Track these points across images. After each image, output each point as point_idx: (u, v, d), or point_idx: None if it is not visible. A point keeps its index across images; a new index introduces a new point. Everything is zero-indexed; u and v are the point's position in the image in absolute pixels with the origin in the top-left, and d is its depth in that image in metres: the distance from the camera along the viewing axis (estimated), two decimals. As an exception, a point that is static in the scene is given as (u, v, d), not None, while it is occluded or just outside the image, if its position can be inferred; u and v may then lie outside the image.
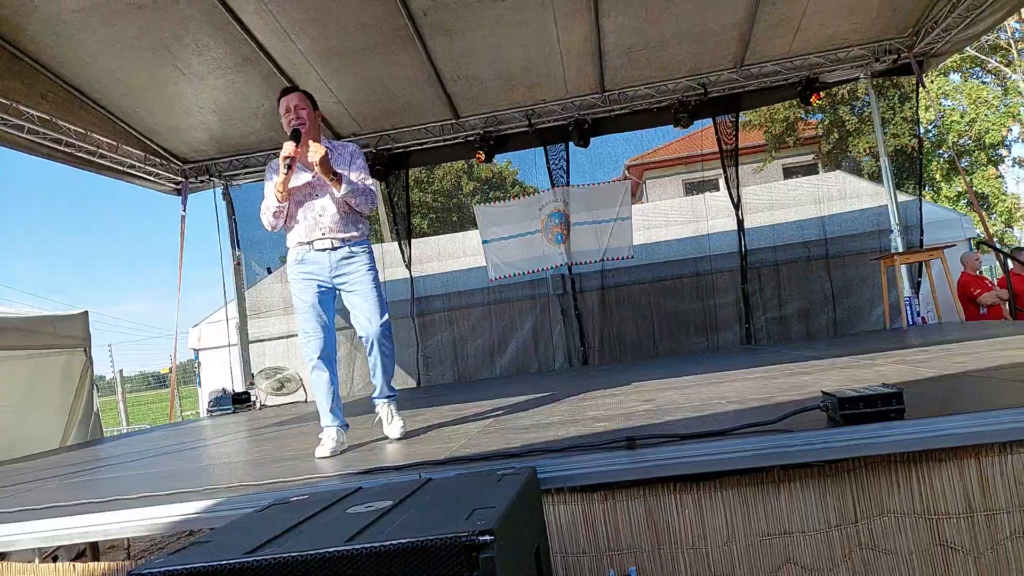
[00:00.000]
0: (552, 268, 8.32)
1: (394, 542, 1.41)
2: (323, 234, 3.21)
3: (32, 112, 6.01)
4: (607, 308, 8.29)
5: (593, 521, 2.22)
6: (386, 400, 3.41)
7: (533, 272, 8.35)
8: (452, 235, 10.47)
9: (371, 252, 3.35)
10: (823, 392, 2.30)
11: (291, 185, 3.17)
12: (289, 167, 3.09)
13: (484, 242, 8.43)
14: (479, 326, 8.60)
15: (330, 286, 3.27)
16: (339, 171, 3.16)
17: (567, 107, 7.85)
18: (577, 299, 8.30)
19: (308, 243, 3.23)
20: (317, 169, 3.11)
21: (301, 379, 8.46)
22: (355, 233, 3.28)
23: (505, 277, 8.38)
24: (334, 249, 3.23)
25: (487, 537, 1.37)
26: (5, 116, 5.79)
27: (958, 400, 2.44)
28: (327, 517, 1.74)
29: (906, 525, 1.97)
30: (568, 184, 8.20)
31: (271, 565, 1.42)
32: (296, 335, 9.43)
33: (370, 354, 3.32)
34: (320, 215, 3.22)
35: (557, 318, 8.39)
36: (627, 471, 2.20)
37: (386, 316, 3.30)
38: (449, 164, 20.75)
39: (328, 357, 3.26)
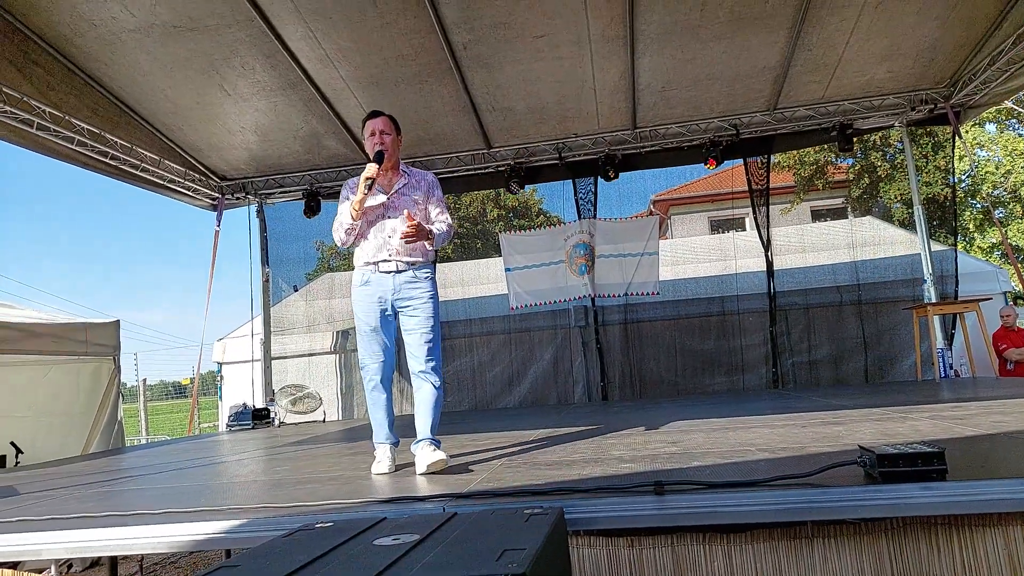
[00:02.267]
0: (575, 299, 8.29)
1: (425, 580, 1.40)
2: (389, 255, 3.29)
3: (82, 125, 6.20)
4: (629, 343, 8.24)
5: (618, 567, 2.18)
6: (427, 442, 3.23)
7: (555, 302, 8.31)
8: (476, 261, 10.51)
9: (434, 278, 3.41)
10: (860, 447, 2.25)
11: (367, 204, 3.25)
12: (369, 187, 3.19)
13: (507, 270, 8.44)
14: (499, 354, 8.59)
15: (392, 309, 3.33)
16: (427, 227, 3.24)
17: (598, 142, 7.91)
18: (599, 332, 8.26)
19: (375, 263, 3.30)
20: (412, 233, 3.16)
21: (320, 398, 8.50)
22: (420, 258, 3.35)
23: (527, 306, 8.36)
24: (399, 272, 3.30)
25: (520, 581, 1.35)
26: (57, 128, 5.97)
27: (1001, 462, 2.38)
28: (354, 548, 1.73)
29: (945, 591, 1.91)
30: (595, 217, 8.23)
31: (300, 596, 1.42)
32: (316, 354, 9.52)
33: (418, 391, 3.33)
34: (390, 236, 3.29)
35: (578, 350, 8.36)
36: (655, 517, 2.16)
37: (438, 354, 3.33)
38: (476, 191, 20.93)
39: (387, 379, 3.34)
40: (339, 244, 3.37)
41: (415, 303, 3.30)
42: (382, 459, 3.31)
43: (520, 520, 1.87)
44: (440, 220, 3.37)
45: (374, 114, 3.43)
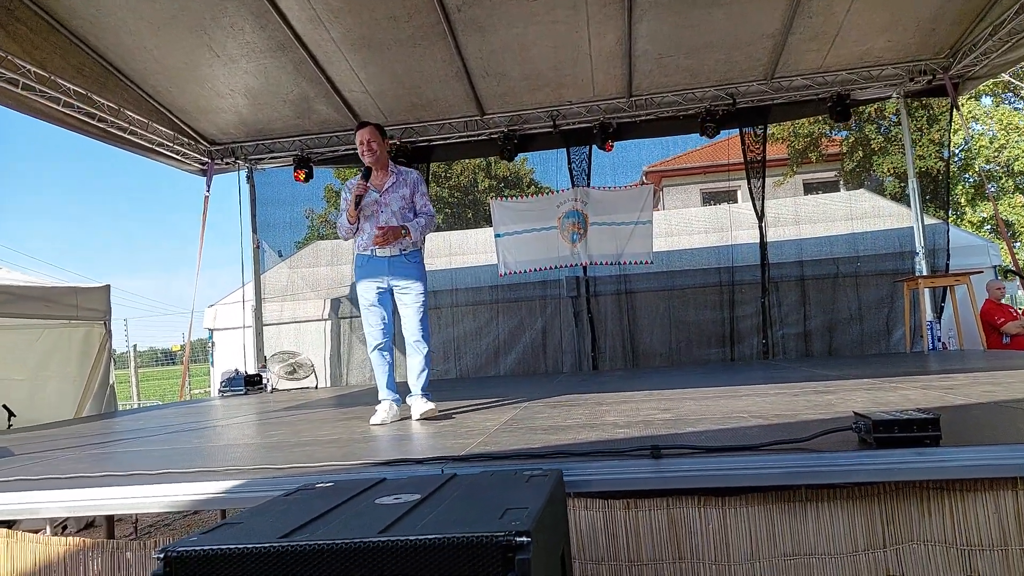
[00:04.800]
0: (566, 267, 8.22)
1: (428, 536, 1.40)
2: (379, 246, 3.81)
3: (68, 85, 6.05)
4: (622, 313, 8.23)
5: (614, 529, 2.21)
6: (420, 396, 3.88)
7: (545, 269, 8.25)
8: (464, 231, 10.43)
9: (422, 261, 4.02)
10: (855, 413, 2.28)
11: (363, 202, 3.84)
12: (357, 203, 3.80)
13: (497, 236, 8.33)
14: (487, 324, 8.54)
15: (387, 287, 3.91)
16: (403, 225, 3.84)
17: (592, 110, 7.83)
18: (591, 302, 8.25)
19: (371, 250, 3.86)
20: (380, 240, 3.74)
21: (312, 365, 8.50)
22: (410, 246, 3.93)
23: (515, 273, 8.30)
24: (392, 257, 3.86)
25: (524, 538, 1.36)
26: (43, 88, 5.83)
27: (992, 429, 2.41)
28: (356, 506, 1.74)
29: (936, 554, 1.95)
30: (588, 185, 8.16)
31: (305, 551, 1.42)
32: (306, 321, 9.51)
33: (410, 357, 3.91)
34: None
35: (569, 320, 8.33)
36: (652, 480, 2.19)
37: (427, 326, 3.91)
38: (467, 160, 20.75)
39: (386, 346, 3.94)
40: (343, 238, 3.99)
41: (406, 283, 3.88)
42: (380, 411, 3.85)
43: (520, 481, 1.88)
44: (423, 212, 3.96)
45: (362, 125, 3.98)
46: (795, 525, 2.07)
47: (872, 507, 2.03)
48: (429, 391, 3.93)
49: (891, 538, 1.99)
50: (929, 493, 2.00)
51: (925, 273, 7.35)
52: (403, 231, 3.82)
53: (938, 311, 7.25)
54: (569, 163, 8.23)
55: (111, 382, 6.86)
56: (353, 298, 9.07)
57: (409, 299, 3.88)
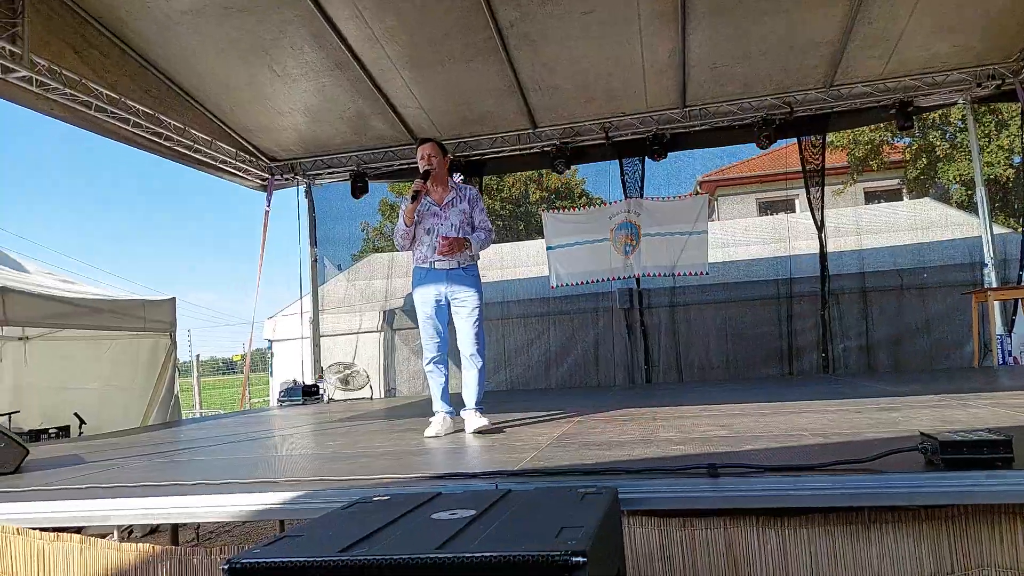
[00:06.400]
0: (619, 279, 8.16)
1: (485, 554, 1.42)
2: (441, 256, 3.88)
3: (137, 106, 6.36)
4: (676, 326, 8.12)
5: (670, 549, 2.18)
6: (474, 410, 3.92)
7: (597, 281, 8.19)
8: (515, 243, 10.43)
9: (478, 275, 4.05)
10: (921, 433, 2.20)
11: (423, 214, 3.91)
12: (414, 199, 3.83)
13: (549, 248, 8.33)
14: (538, 336, 8.53)
15: (445, 300, 3.95)
16: (466, 237, 3.91)
17: (646, 121, 7.78)
18: (644, 314, 8.16)
19: (430, 263, 3.91)
20: (445, 250, 3.82)
21: (368, 376, 8.64)
22: (468, 260, 3.99)
23: (567, 285, 8.27)
24: (450, 270, 3.91)
25: (580, 558, 1.36)
26: (114, 109, 6.13)
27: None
28: (413, 521, 1.77)
29: (1010, 582, 1.86)
30: (642, 196, 8.09)
31: (364, 566, 1.45)
32: (362, 332, 9.67)
33: (466, 370, 3.96)
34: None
35: (621, 333, 8.25)
36: (709, 499, 2.15)
37: (483, 339, 3.98)
38: (520, 172, 20.85)
39: (441, 358, 3.99)
40: (399, 249, 4.07)
41: (463, 296, 3.92)
42: (434, 423, 3.91)
43: (575, 499, 1.88)
44: (482, 227, 4.01)
45: (423, 140, 4.05)
46: (858, 549, 2.01)
47: (939, 531, 1.95)
48: (483, 404, 3.97)
49: (959, 564, 1.91)
50: (1001, 517, 1.91)
51: (995, 285, 7.04)
52: (466, 242, 3.89)
53: (1009, 324, 6.92)
54: (622, 174, 8.17)
55: (176, 391, 7.12)
56: (407, 310, 9.29)
57: (465, 312, 3.92)
